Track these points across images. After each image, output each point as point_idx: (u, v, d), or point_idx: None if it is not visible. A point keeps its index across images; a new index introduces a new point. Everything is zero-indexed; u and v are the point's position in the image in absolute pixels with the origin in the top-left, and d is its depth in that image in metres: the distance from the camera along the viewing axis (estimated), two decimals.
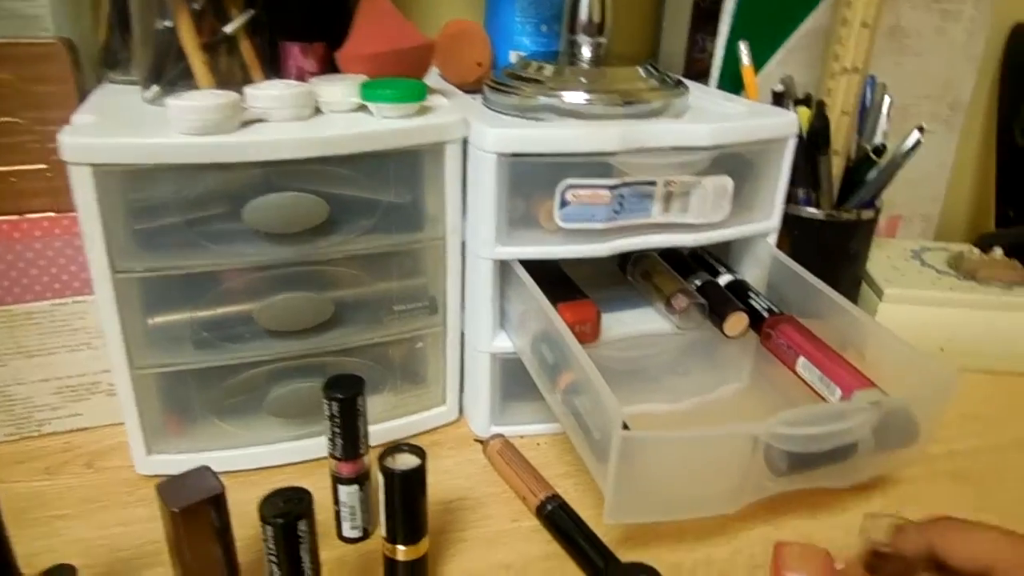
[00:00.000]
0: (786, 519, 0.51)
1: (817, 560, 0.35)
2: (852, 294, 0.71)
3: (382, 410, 0.57)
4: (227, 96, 0.45)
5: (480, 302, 0.55)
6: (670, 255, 0.64)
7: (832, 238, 0.67)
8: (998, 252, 0.72)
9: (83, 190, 0.44)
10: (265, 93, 0.47)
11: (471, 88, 0.63)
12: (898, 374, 0.50)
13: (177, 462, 0.52)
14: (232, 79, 0.53)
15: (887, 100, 0.68)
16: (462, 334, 0.58)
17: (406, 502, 0.41)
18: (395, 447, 0.42)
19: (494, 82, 0.57)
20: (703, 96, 0.63)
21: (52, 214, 0.53)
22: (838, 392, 0.50)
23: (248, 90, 0.48)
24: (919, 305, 0.69)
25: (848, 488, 0.50)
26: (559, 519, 0.49)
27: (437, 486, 0.54)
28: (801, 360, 0.53)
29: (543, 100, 0.54)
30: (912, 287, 0.70)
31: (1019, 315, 0.68)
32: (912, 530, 0.39)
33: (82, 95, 0.53)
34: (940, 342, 0.69)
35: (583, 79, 0.55)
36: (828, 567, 0.34)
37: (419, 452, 0.41)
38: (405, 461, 0.41)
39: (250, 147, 0.45)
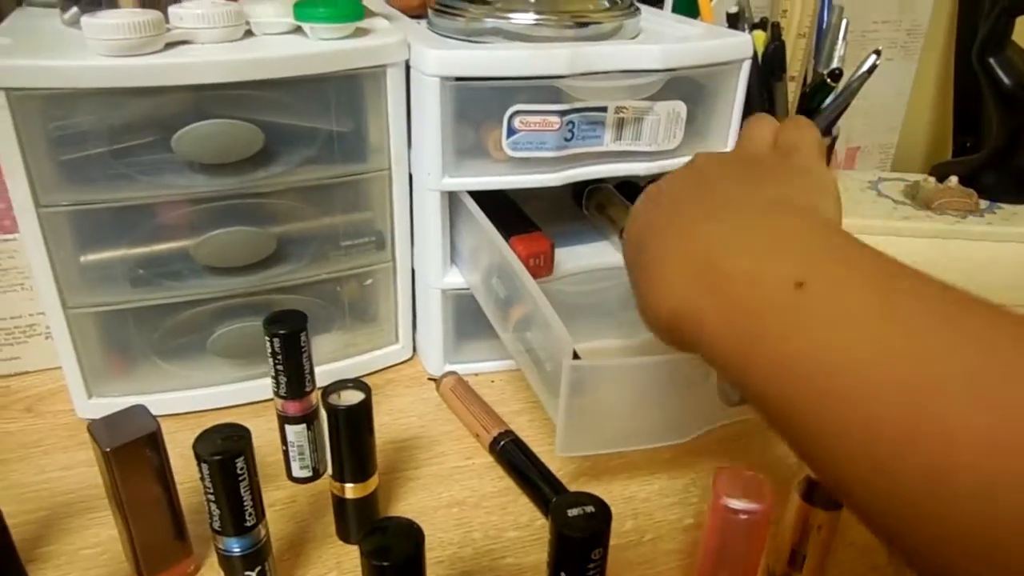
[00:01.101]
0: (739, 451, 0.50)
1: (756, 487, 0.34)
2: None
3: (333, 349, 0.56)
4: (147, 14, 0.42)
5: (429, 236, 0.53)
6: (626, 187, 0.62)
7: None
8: (953, 181, 0.72)
9: None
10: (190, 12, 0.44)
11: (416, 13, 0.60)
12: None
13: (119, 405, 0.49)
14: (156, 2, 0.50)
15: (844, 23, 0.67)
16: (412, 270, 0.57)
17: (352, 439, 0.40)
18: (339, 383, 0.40)
19: (439, 5, 0.55)
20: (656, 19, 0.61)
21: None
22: None
23: (172, 9, 0.45)
24: (876, 235, 0.68)
25: None
26: (512, 455, 0.48)
27: (390, 425, 0.53)
28: None
29: (490, 23, 0.52)
30: (869, 217, 0.69)
31: (973, 244, 0.68)
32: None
33: None
34: None
35: (531, 0, 0.53)
36: (767, 494, 0.34)
37: (363, 387, 0.40)
38: (349, 397, 0.40)
39: (174, 70, 0.43)
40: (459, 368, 0.57)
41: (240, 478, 0.35)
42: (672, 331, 0.30)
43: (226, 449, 0.34)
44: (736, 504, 0.34)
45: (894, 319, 0.23)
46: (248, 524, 0.36)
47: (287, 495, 0.47)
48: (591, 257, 0.58)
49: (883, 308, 0.23)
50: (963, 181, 0.72)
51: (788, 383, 0.24)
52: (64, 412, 0.52)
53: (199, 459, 0.34)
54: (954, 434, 0.20)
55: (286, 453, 0.47)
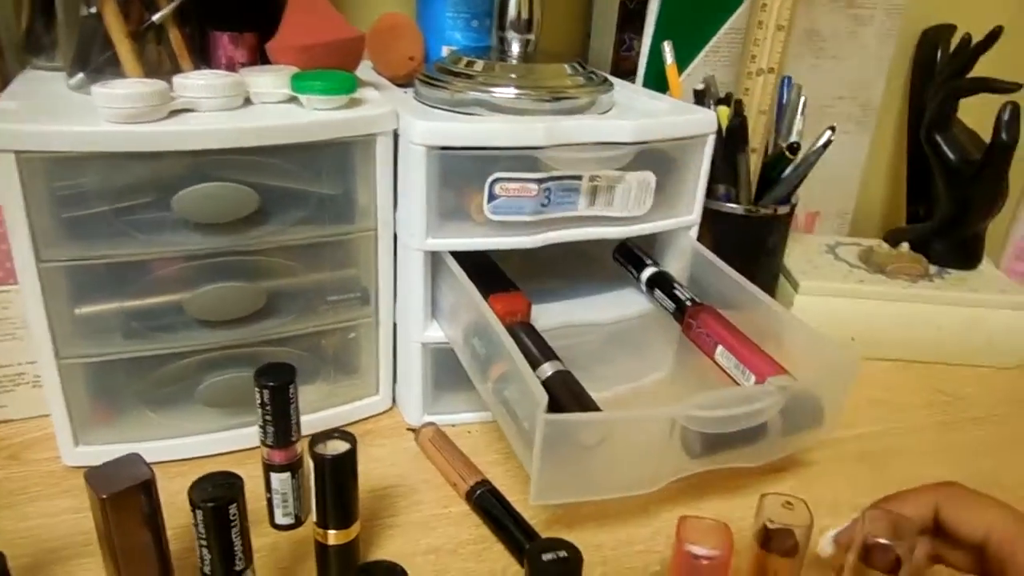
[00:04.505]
0: (705, 501, 0.53)
1: (717, 534, 0.37)
2: (770, 287, 0.74)
3: (316, 399, 0.58)
4: (154, 84, 0.45)
5: (412, 293, 0.56)
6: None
7: (751, 233, 0.70)
8: (905, 247, 0.77)
9: (6, 177, 0.44)
10: (194, 82, 0.47)
11: (403, 82, 0.64)
12: (808, 361, 0.53)
13: (106, 453, 0.51)
14: (161, 68, 0.53)
15: (802, 100, 0.72)
16: (394, 324, 0.59)
17: (336, 487, 0.42)
18: (325, 433, 0.42)
19: (425, 76, 0.58)
20: (629, 94, 0.65)
21: None
22: (753, 379, 0.52)
23: (177, 79, 0.48)
24: (832, 297, 0.73)
25: (760, 469, 0.53)
26: (488, 503, 0.50)
27: (370, 474, 0.55)
28: (719, 348, 0.55)
29: (473, 95, 0.56)
30: (826, 280, 0.74)
31: (923, 307, 0.72)
32: (920, 492, 0.41)
33: (4, 81, 0.53)
34: (852, 332, 0.73)
35: (512, 75, 0.57)
36: (727, 541, 0.37)
37: (349, 438, 0.42)
38: (335, 447, 0.42)
39: (177, 136, 0.45)
40: (437, 419, 0.59)
41: (232, 524, 0.37)
42: None
43: (219, 496, 0.36)
44: (698, 550, 0.37)
45: None
46: (238, 568, 0.38)
47: (270, 542, 0.48)
48: (565, 314, 0.61)
49: None
50: (914, 247, 0.77)
51: None
52: (49, 460, 0.53)
53: (193, 505, 0.36)
54: None
55: (270, 501, 0.49)
